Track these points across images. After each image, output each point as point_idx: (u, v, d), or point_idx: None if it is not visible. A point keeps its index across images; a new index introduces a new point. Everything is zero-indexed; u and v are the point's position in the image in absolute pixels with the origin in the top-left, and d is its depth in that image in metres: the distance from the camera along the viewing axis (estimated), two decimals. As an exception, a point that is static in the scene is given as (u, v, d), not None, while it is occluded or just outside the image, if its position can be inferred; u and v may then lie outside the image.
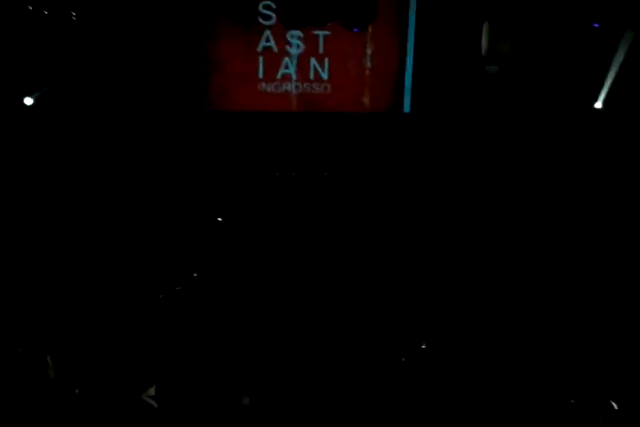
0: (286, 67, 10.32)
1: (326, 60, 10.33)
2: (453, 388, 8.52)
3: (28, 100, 10.17)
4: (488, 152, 10.25)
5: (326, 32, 10.19)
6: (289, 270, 10.05)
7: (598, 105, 10.07)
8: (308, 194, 10.36)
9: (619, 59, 9.74)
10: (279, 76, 10.35)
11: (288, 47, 10.27)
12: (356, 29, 9.69)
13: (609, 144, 10.10)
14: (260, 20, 10.17)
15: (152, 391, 7.17)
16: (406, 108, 10.34)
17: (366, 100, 10.41)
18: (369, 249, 10.18)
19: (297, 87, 10.38)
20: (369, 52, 10.31)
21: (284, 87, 10.37)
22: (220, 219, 10.34)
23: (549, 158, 10.10)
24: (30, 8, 9.91)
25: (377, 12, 9.77)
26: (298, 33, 10.20)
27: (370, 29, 10.20)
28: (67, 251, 10.00)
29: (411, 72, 10.26)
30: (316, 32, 10.21)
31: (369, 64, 10.33)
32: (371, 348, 9.46)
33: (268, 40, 10.24)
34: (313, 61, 10.33)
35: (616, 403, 7.46)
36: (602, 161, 10.10)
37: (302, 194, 10.36)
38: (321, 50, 10.30)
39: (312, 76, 10.36)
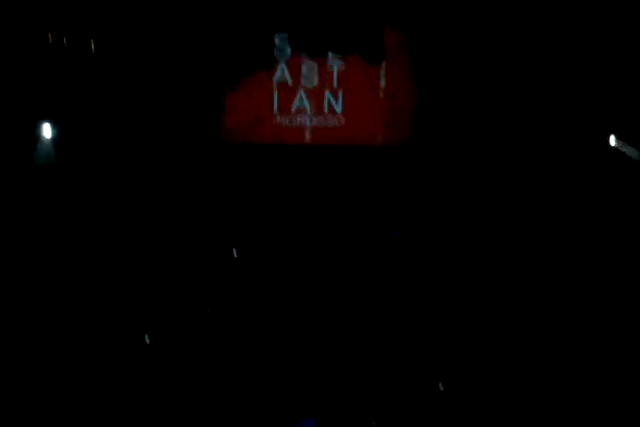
0: (301, 100, 10.43)
1: (340, 93, 10.43)
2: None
3: (48, 133, 10.32)
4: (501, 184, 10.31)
5: (341, 65, 10.32)
6: (307, 299, 10.08)
7: (613, 141, 10.13)
8: (322, 226, 10.41)
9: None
10: (294, 109, 10.45)
11: (303, 80, 10.39)
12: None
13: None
14: (276, 53, 10.31)
15: None
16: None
17: (379, 134, 10.46)
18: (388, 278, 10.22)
19: (311, 120, 10.47)
20: (382, 85, 10.40)
21: (298, 120, 10.47)
22: (234, 251, 10.40)
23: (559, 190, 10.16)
24: (50, 40, 10.16)
25: (385, 46, 10.10)
26: (313, 66, 10.33)
27: (384, 64, 10.34)
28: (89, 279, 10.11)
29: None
30: (330, 65, 10.33)
31: (382, 97, 10.42)
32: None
33: (283, 73, 10.37)
34: (327, 95, 10.43)
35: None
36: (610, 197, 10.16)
37: (317, 226, 10.41)
38: (335, 83, 10.41)
39: (326, 109, 10.46)
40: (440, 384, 9.21)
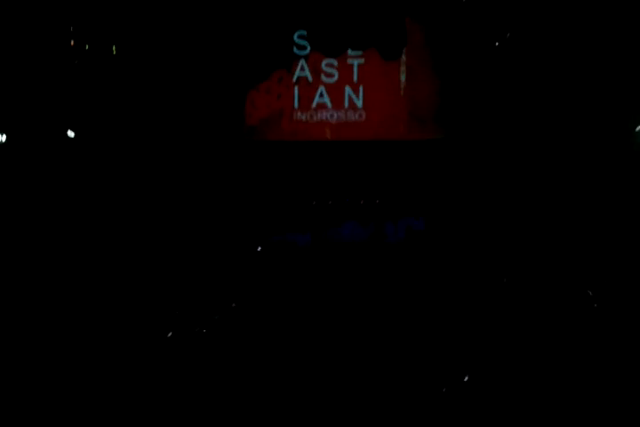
0: (321, 95, 10.42)
1: (361, 88, 10.41)
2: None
3: (71, 133, 10.43)
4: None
5: (361, 60, 10.33)
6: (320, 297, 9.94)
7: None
8: (344, 222, 10.32)
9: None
10: (314, 105, 10.44)
11: (323, 76, 10.40)
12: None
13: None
14: (295, 50, 10.35)
15: None
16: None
17: (401, 128, 10.41)
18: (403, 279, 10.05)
19: (332, 116, 10.45)
20: (403, 79, 10.37)
21: (319, 116, 10.45)
22: (259, 248, 10.33)
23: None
24: (72, 43, 10.31)
25: (406, 39, 10.13)
26: (332, 62, 10.35)
27: (404, 58, 10.34)
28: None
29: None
30: (350, 61, 10.35)
31: (403, 92, 10.38)
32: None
33: (302, 69, 10.39)
34: (347, 90, 10.42)
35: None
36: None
37: (338, 222, 10.32)
38: (355, 78, 10.40)
39: (347, 104, 10.44)
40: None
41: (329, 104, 10.43)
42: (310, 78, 10.41)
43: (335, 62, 10.36)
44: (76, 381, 8.67)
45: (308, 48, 10.33)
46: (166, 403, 8.44)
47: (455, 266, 10.01)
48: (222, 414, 8.47)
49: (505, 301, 9.62)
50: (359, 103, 10.42)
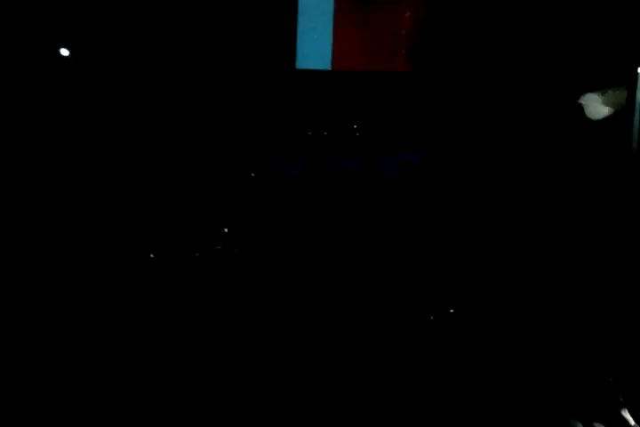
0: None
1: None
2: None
3: (65, 51, 10.21)
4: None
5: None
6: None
7: None
8: (338, 153, 10.28)
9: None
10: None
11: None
12: None
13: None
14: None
15: None
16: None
17: (399, 60, 10.31)
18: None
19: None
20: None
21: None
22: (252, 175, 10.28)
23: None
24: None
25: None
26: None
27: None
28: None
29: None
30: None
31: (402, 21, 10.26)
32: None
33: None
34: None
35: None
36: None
37: (333, 152, 10.27)
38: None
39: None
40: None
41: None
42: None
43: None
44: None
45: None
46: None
47: (449, 199, 10.01)
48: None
49: (498, 235, 9.65)
50: (358, 32, 10.26)
